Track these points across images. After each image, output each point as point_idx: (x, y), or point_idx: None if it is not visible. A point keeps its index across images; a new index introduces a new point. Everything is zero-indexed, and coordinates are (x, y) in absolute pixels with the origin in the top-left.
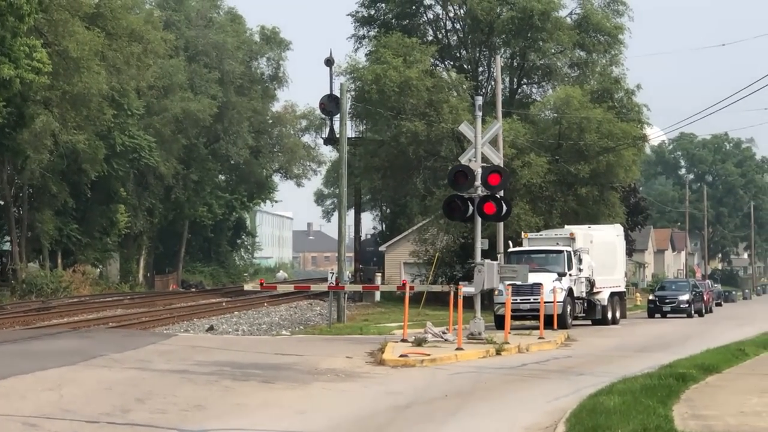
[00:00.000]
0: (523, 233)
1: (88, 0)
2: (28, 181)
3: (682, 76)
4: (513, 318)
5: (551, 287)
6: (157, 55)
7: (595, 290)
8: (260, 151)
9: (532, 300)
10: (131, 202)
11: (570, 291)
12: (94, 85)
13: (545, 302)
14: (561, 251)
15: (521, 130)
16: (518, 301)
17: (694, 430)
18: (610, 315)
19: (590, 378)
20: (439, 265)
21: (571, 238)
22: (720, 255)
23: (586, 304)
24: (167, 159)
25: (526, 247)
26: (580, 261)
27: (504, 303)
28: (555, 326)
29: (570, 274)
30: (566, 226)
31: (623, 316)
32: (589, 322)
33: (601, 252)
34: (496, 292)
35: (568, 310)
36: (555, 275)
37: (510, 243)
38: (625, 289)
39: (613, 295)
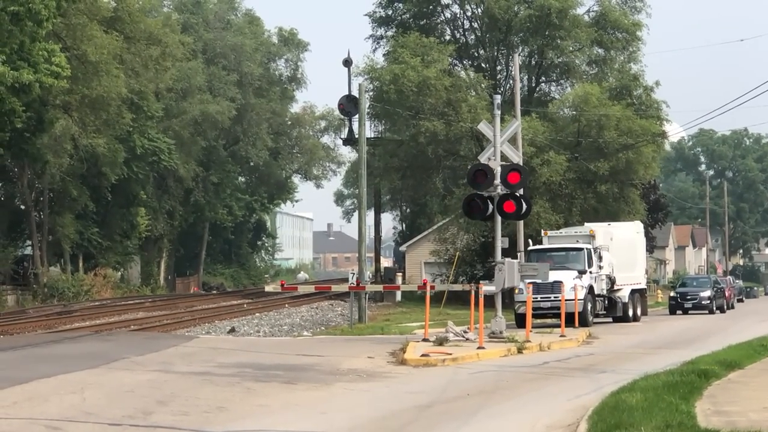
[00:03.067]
0: (543, 231)
1: (106, 4)
2: (49, 185)
3: (701, 72)
4: (534, 316)
5: (572, 285)
6: (175, 58)
7: (615, 287)
8: (279, 152)
9: (552, 298)
10: (151, 205)
11: (590, 288)
12: (113, 88)
13: (566, 300)
14: (581, 249)
15: (540, 128)
16: (539, 299)
17: (717, 426)
18: (630, 312)
19: (612, 375)
20: (460, 264)
21: (591, 236)
22: (741, 251)
23: (606, 302)
24: (186, 161)
25: (546, 245)
26: (600, 258)
27: (524, 301)
28: (576, 324)
29: (590, 272)
30: (586, 224)
31: (644, 313)
32: (610, 320)
33: (621, 249)
34: (517, 291)
35: (589, 307)
36: (575, 273)
37: (530, 241)
38: (645, 286)
39: (633, 292)
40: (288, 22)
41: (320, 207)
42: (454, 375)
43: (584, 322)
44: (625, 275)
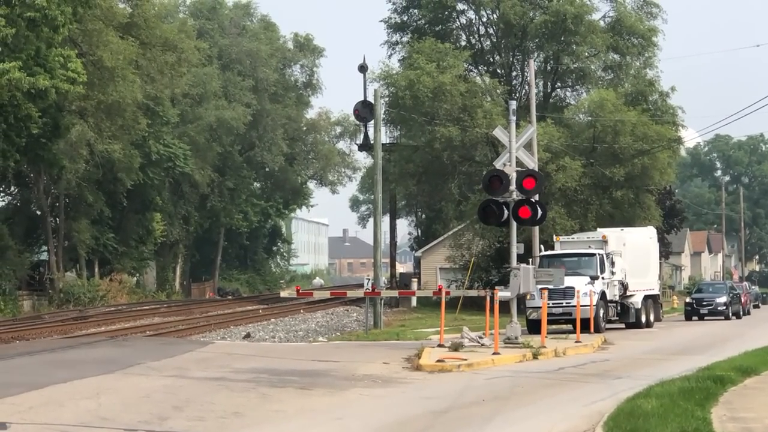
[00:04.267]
0: (555, 236)
1: (122, 10)
2: (65, 190)
3: (717, 77)
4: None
5: (584, 291)
6: (190, 64)
7: (628, 293)
8: (295, 158)
9: (564, 304)
10: (167, 210)
11: (603, 294)
12: (129, 94)
13: (581, 306)
14: (593, 254)
15: (555, 133)
16: (551, 305)
17: None
18: (643, 318)
19: (628, 381)
20: (475, 269)
21: (604, 241)
22: (757, 257)
23: (619, 308)
24: (202, 167)
25: (558, 251)
26: (612, 264)
27: (536, 307)
28: (591, 330)
29: (603, 278)
30: (598, 229)
31: (657, 319)
32: (623, 326)
33: (634, 255)
34: (529, 297)
35: (602, 313)
36: (588, 278)
37: (542, 247)
38: (659, 292)
39: (646, 298)
40: (303, 28)
41: (336, 213)
42: (470, 381)
43: (597, 328)
44: (637, 281)
